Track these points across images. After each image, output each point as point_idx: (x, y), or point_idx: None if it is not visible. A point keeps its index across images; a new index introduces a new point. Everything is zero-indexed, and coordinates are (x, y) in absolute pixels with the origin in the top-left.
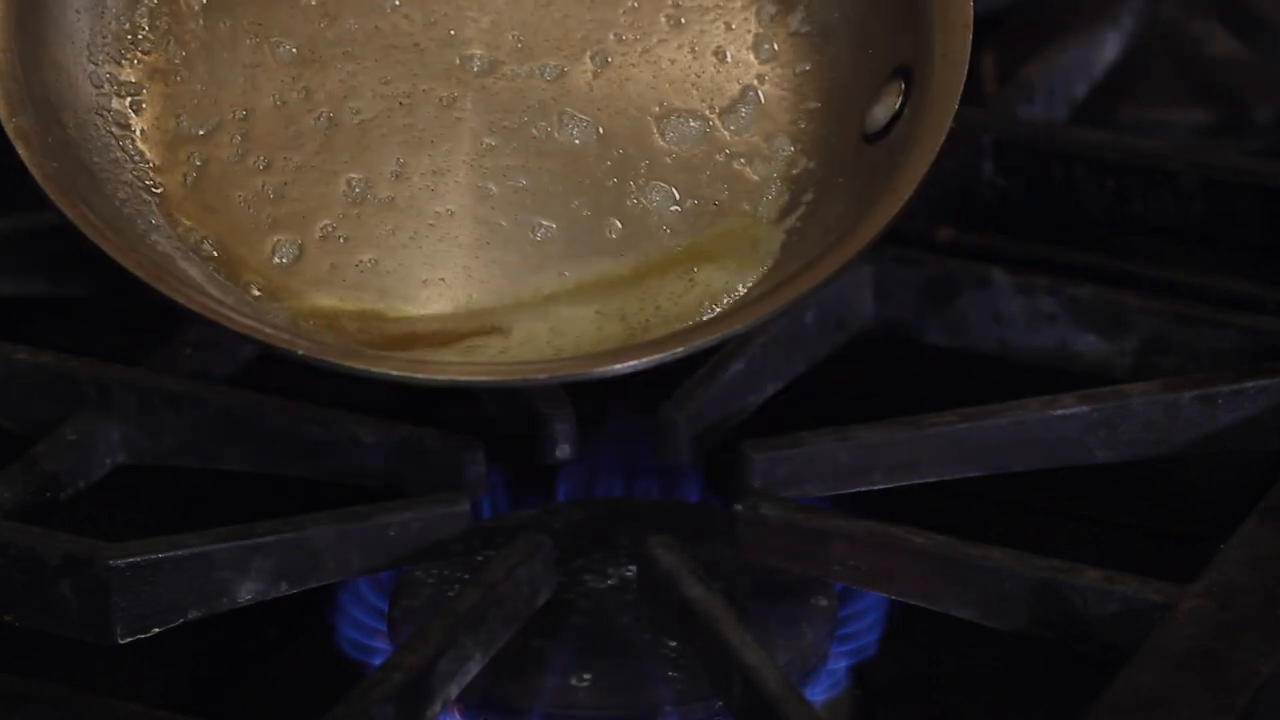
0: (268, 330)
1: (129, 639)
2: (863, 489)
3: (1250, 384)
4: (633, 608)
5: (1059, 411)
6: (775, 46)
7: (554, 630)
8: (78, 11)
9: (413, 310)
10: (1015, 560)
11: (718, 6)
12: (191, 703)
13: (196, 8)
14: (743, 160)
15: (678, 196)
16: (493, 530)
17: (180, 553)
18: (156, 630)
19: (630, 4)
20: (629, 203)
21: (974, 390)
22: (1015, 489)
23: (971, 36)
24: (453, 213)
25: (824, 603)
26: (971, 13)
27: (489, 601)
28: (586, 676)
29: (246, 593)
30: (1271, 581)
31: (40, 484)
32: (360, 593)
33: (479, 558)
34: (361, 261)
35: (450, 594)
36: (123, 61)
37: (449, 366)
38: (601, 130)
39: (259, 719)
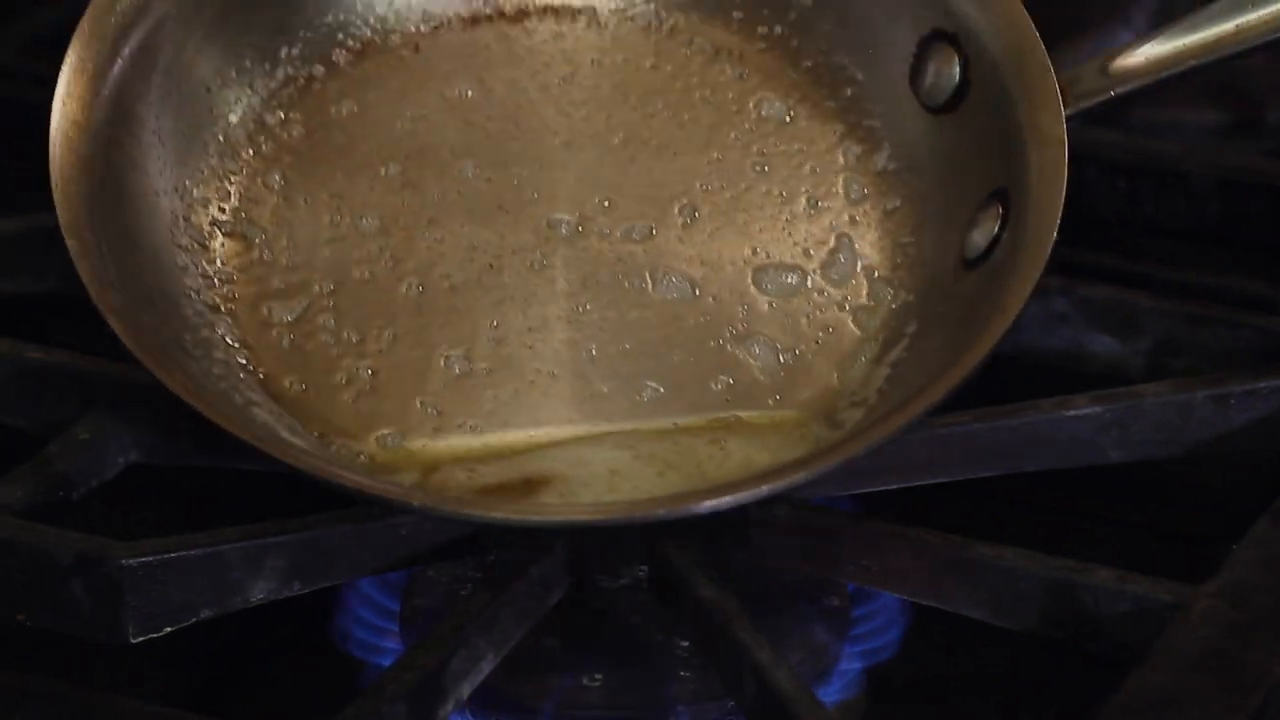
0: (382, 487)
1: (141, 638)
2: (876, 489)
3: (1263, 384)
4: (645, 608)
5: (1071, 412)
6: (865, 188)
7: (566, 630)
8: (158, 194)
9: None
10: (1028, 560)
11: (802, 151)
12: (201, 701)
13: (276, 186)
14: (841, 307)
15: (780, 349)
16: (505, 529)
17: (193, 552)
18: (169, 629)
19: (715, 155)
20: (730, 357)
21: (987, 391)
22: (1028, 489)
23: (1066, 151)
24: (554, 374)
25: (836, 603)
26: (1064, 128)
27: (501, 601)
28: (598, 676)
29: (259, 592)
30: None
31: (52, 483)
32: (370, 593)
33: (491, 557)
34: (464, 423)
35: (462, 593)
36: (207, 243)
37: (562, 508)
38: (697, 287)
39: (269, 718)
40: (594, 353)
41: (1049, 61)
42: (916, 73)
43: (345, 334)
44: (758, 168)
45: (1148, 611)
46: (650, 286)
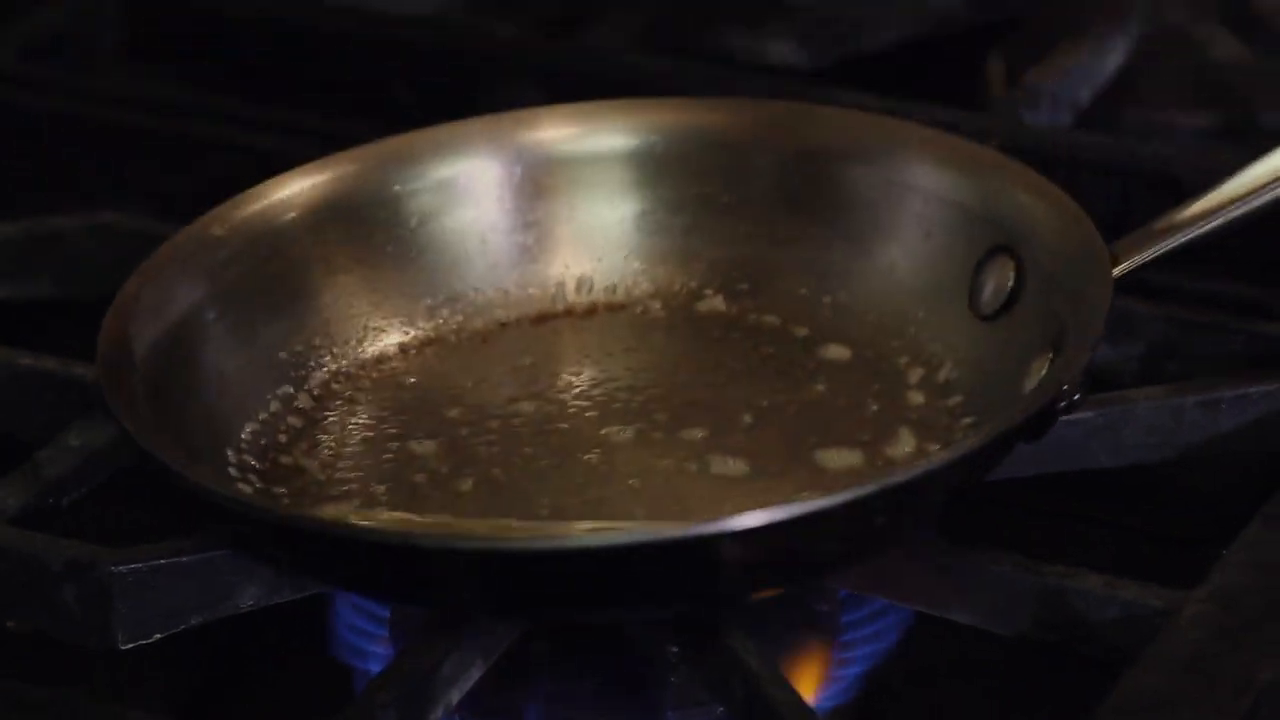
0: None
1: (131, 645)
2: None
3: (1254, 389)
4: None
5: (1064, 416)
6: (927, 397)
7: (555, 635)
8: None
9: None
10: (1019, 565)
11: (867, 381)
12: (192, 708)
13: (335, 429)
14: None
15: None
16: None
17: (183, 559)
18: (159, 636)
19: (779, 385)
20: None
21: None
22: (1019, 493)
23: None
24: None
25: (826, 608)
26: (1112, 291)
27: None
28: (588, 682)
29: (249, 598)
30: (1274, 586)
31: (43, 489)
32: (361, 599)
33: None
34: None
35: None
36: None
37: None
38: (752, 466)
39: None
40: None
41: (1099, 240)
42: (974, 292)
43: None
44: (822, 389)
45: (1138, 616)
46: (709, 466)
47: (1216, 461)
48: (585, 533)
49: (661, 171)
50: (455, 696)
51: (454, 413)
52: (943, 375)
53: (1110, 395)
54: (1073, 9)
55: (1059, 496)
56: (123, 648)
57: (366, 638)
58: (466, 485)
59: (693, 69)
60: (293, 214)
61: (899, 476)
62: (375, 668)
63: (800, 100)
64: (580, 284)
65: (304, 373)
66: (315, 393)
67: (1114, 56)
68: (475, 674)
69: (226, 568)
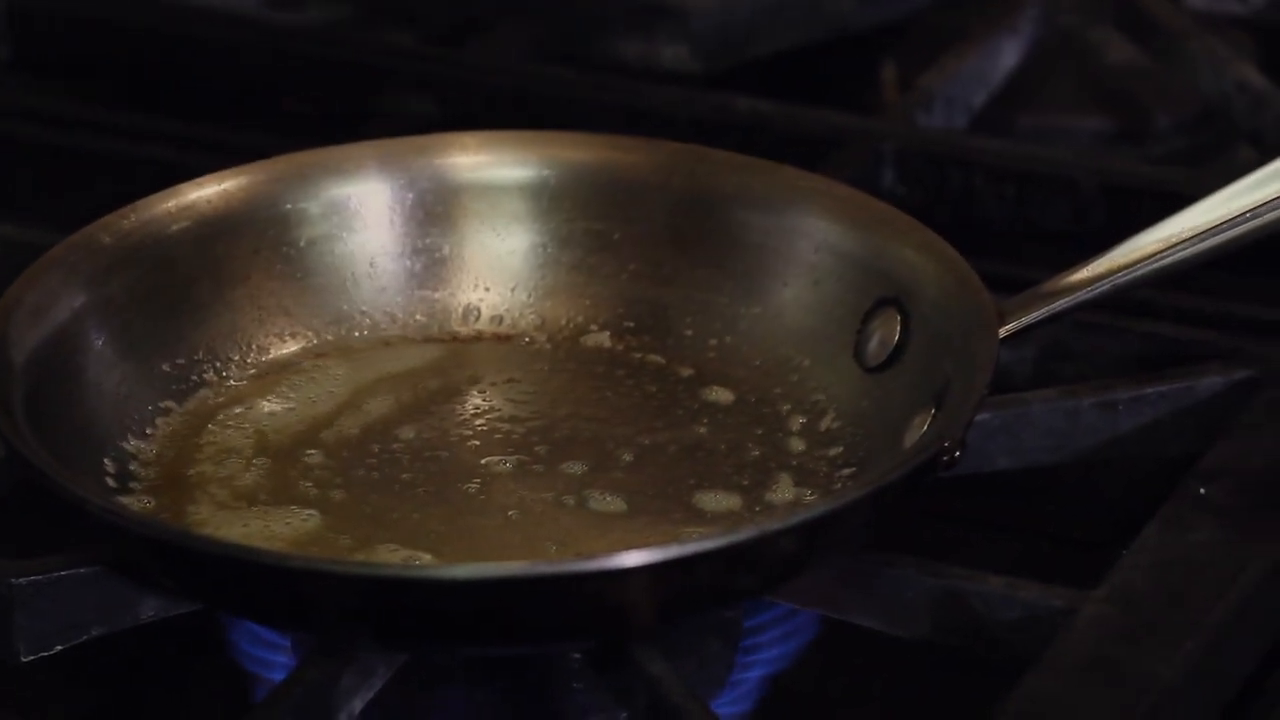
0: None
1: (32, 657)
2: None
3: (1150, 390)
4: None
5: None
6: (807, 444)
7: None
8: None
9: None
10: (918, 568)
11: (748, 424)
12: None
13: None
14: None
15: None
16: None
17: (83, 570)
18: (59, 648)
19: (658, 424)
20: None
21: None
22: (917, 498)
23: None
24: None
25: (729, 614)
26: (998, 346)
27: None
28: (491, 689)
29: (149, 609)
30: (1173, 586)
31: None
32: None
33: None
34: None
35: None
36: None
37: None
38: (630, 504)
39: None
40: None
41: (987, 298)
42: (860, 343)
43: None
44: (704, 430)
45: (1038, 618)
46: (586, 503)
47: (1114, 463)
48: (454, 565)
49: (554, 205)
50: (357, 706)
51: (334, 434)
52: (825, 424)
53: (1007, 398)
54: (965, 13)
55: (956, 500)
56: (23, 660)
57: (268, 647)
58: (342, 507)
59: (587, 78)
60: (181, 226)
61: (773, 525)
62: (277, 677)
63: (693, 108)
64: (467, 312)
65: (185, 386)
66: (196, 407)
67: (1007, 59)
68: (377, 683)
69: (127, 579)
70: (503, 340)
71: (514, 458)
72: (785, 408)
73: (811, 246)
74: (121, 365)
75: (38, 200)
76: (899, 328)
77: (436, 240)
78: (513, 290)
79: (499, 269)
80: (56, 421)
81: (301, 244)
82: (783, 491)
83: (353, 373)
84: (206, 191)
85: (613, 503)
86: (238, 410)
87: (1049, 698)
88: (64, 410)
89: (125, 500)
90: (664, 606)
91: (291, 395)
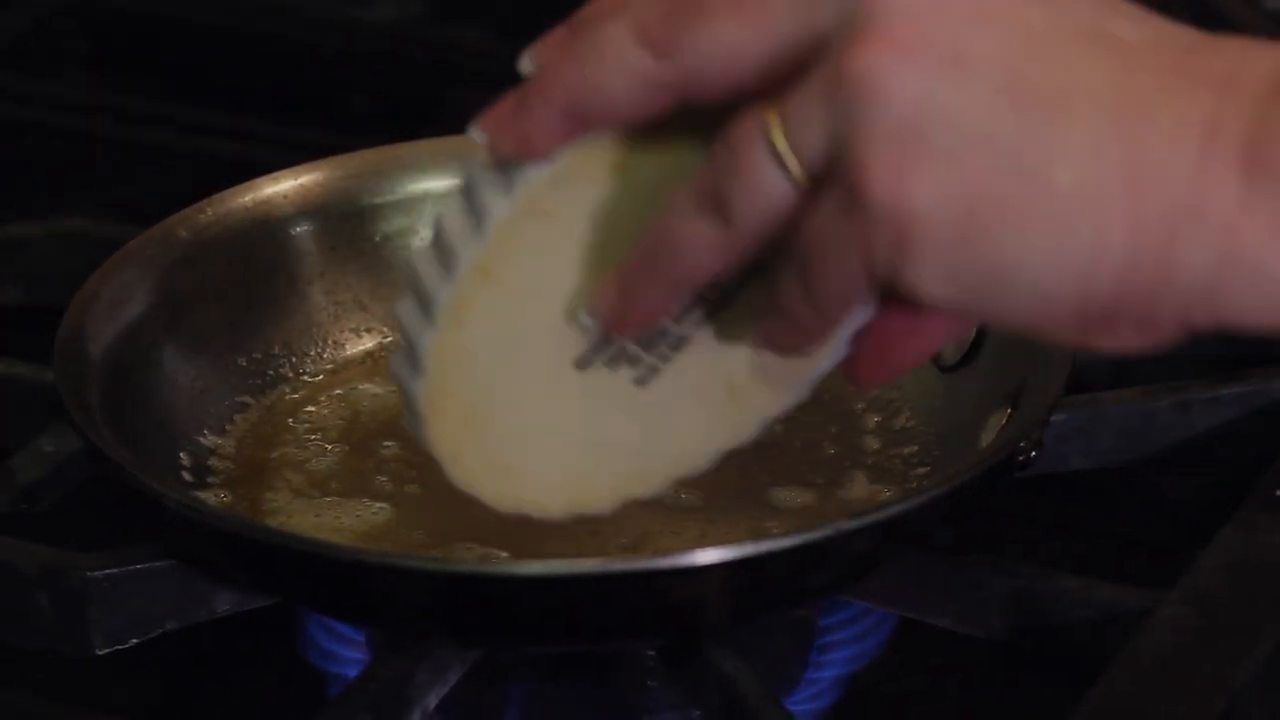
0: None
1: (107, 650)
2: None
3: (1225, 391)
4: None
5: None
6: (881, 442)
7: None
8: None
9: None
10: (992, 569)
11: (823, 421)
12: (165, 713)
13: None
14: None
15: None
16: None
17: (158, 563)
18: (134, 641)
19: None
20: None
21: None
22: (992, 497)
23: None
24: None
25: (803, 612)
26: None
27: None
28: (565, 686)
29: (225, 603)
30: (1247, 588)
31: (17, 495)
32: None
33: None
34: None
35: None
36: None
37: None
38: (706, 501)
39: None
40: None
41: None
42: None
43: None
44: (779, 428)
45: (1112, 619)
46: (662, 500)
47: (1189, 464)
48: (537, 562)
49: None
50: (432, 701)
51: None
52: (900, 423)
53: (1082, 398)
54: None
55: (1031, 501)
56: (98, 654)
57: (342, 642)
58: (417, 501)
59: None
60: (258, 221)
61: (849, 524)
62: (351, 672)
63: None
64: None
65: (262, 381)
66: (272, 402)
67: None
68: (452, 678)
69: (202, 573)
70: None
71: None
72: (860, 406)
73: None
74: (197, 360)
75: (114, 195)
76: (975, 327)
77: None
78: None
79: None
80: (133, 416)
81: (377, 239)
82: (857, 489)
83: None
84: (283, 187)
85: (687, 499)
86: (314, 404)
87: (1123, 699)
88: (140, 404)
89: (201, 495)
90: (738, 605)
91: (367, 389)
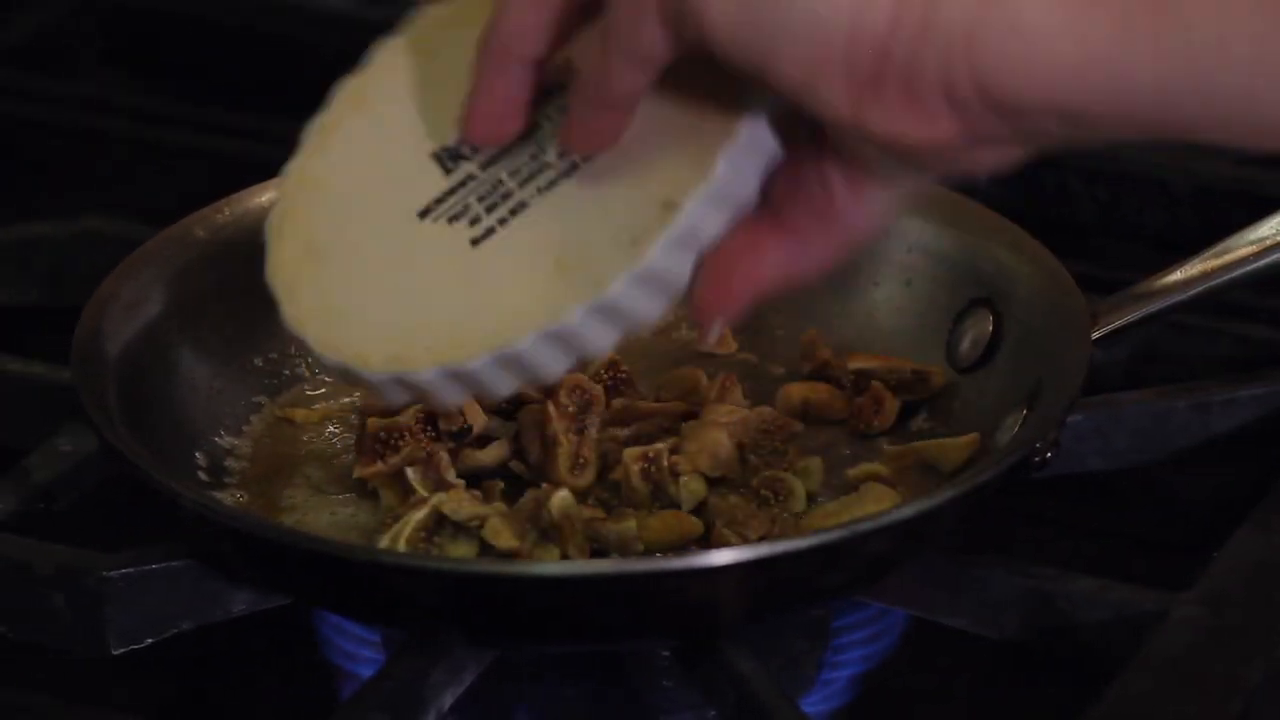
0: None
1: (122, 650)
2: None
3: (1243, 392)
4: None
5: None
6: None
7: None
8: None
9: None
10: (1007, 568)
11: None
12: (180, 712)
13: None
14: None
15: None
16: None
17: (174, 563)
18: (150, 641)
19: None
20: None
21: None
22: (1007, 497)
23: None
24: None
25: (817, 612)
26: (1091, 348)
27: None
28: (581, 686)
29: (240, 603)
30: (1264, 589)
31: (32, 495)
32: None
33: None
34: None
35: None
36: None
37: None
38: None
39: None
40: None
41: (1080, 300)
42: (952, 343)
43: None
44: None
45: (1128, 619)
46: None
47: (1205, 465)
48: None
49: None
50: (447, 701)
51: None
52: (916, 423)
53: (1098, 399)
54: None
55: (1046, 501)
56: (113, 653)
57: (357, 642)
58: None
59: None
60: None
61: (864, 525)
62: (365, 672)
63: None
64: None
65: (278, 381)
66: (289, 401)
67: None
68: (467, 678)
69: (217, 573)
70: None
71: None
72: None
73: (904, 246)
74: (214, 359)
75: (131, 194)
76: (991, 328)
77: None
78: None
79: None
80: (149, 416)
81: None
82: (873, 490)
83: None
84: None
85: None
86: (330, 403)
87: (1138, 700)
88: (157, 404)
89: (218, 495)
90: (753, 606)
91: None
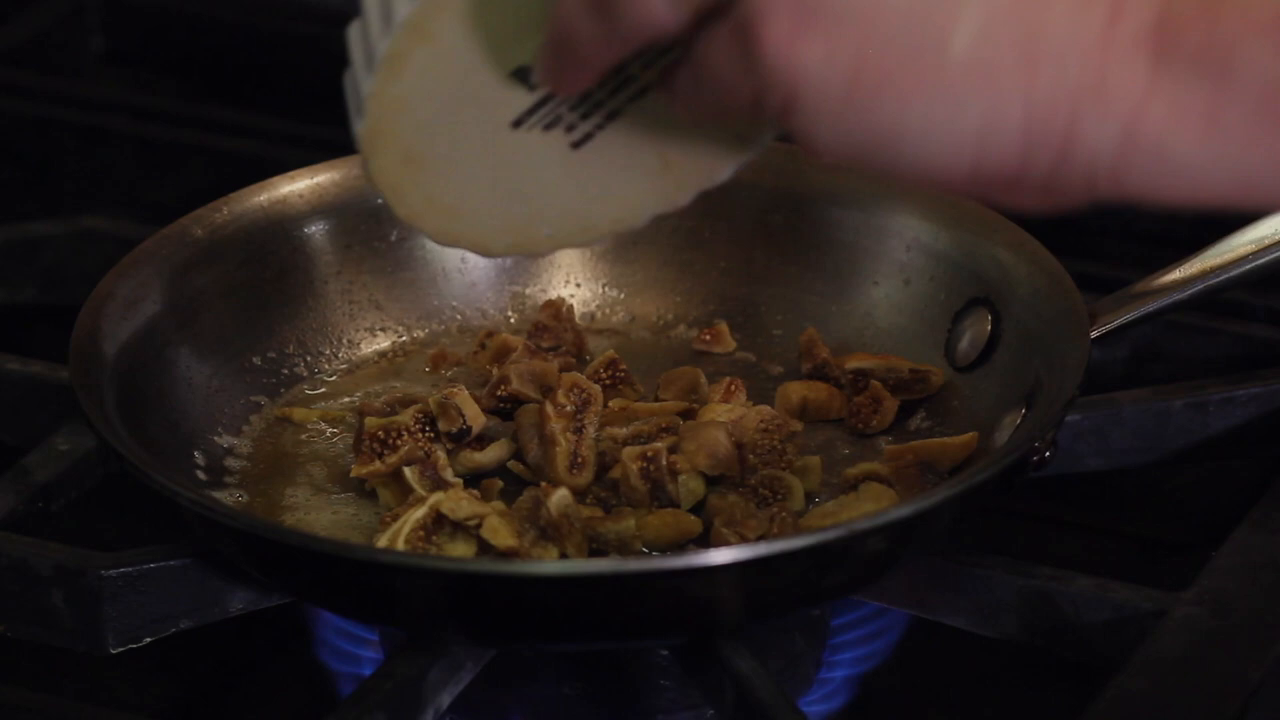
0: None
1: (120, 649)
2: None
3: (1241, 391)
4: None
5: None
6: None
7: None
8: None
9: None
10: (1006, 568)
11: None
12: (179, 711)
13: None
14: None
15: None
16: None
17: (172, 562)
18: (148, 640)
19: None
20: None
21: None
22: (1007, 497)
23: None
24: None
25: (816, 612)
26: (1089, 348)
27: None
28: (578, 685)
29: (238, 602)
30: (1263, 588)
31: (32, 494)
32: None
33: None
34: None
35: None
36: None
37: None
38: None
39: None
40: None
41: (1079, 299)
42: (951, 342)
43: None
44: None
45: (1127, 619)
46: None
47: (1204, 464)
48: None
49: None
50: (446, 700)
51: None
52: (914, 423)
53: (1097, 398)
54: None
55: (1045, 501)
56: (112, 652)
57: (355, 641)
58: None
59: None
60: (273, 220)
61: (863, 525)
62: (364, 671)
63: None
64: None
65: (276, 380)
66: (287, 400)
67: None
68: (466, 677)
69: (216, 572)
70: (593, 336)
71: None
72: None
73: (903, 245)
74: (213, 358)
75: (130, 193)
76: (990, 327)
77: None
78: (604, 286)
79: (590, 265)
80: (147, 415)
81: (393, 238)
82: (872, 489)
83: (445, 368)
84: (299, 186)
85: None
86: (329, 403)
87: (1137, 699)
88: (155, 404)
89: (217, 494)
90: (751, 605)
91: (380, 390)
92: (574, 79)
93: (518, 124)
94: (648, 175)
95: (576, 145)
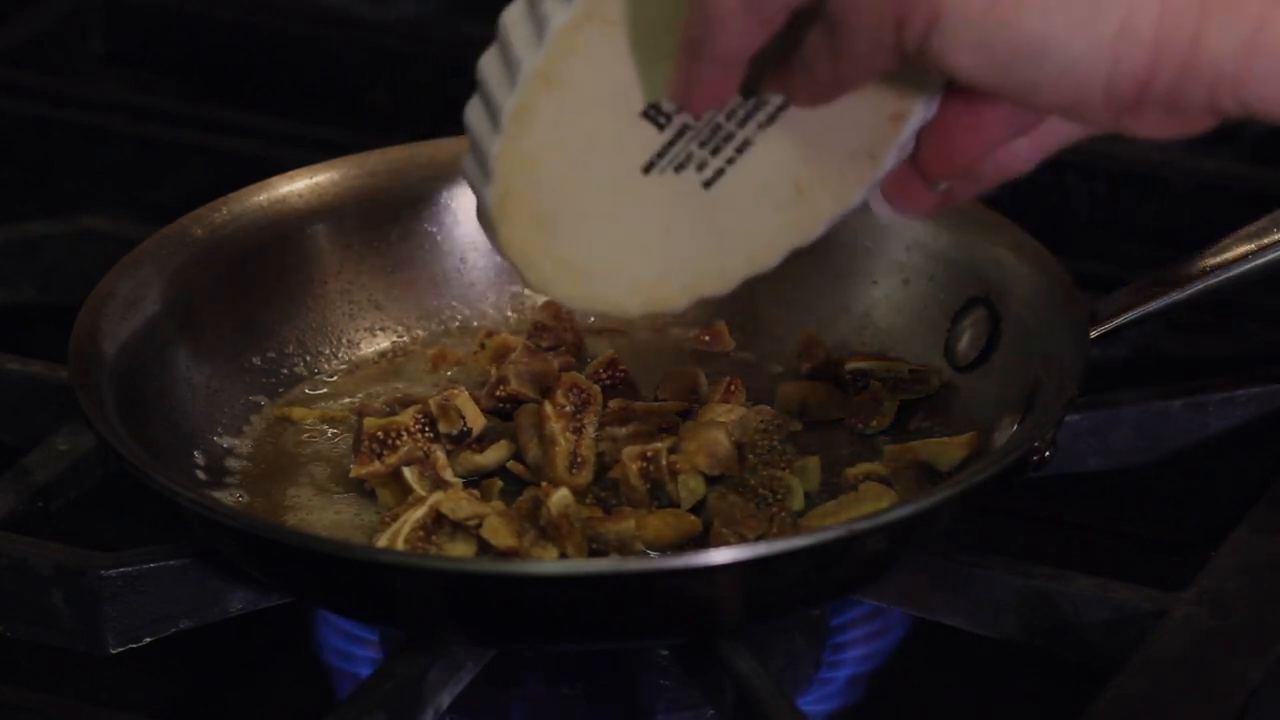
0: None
1: (120, 649)
2: None
3: (1241, 391)
4: None
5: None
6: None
7: None
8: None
9: None
10: (1006, 568)
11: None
12: (179, 711)
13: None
14: None
15: None
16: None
17: (172, 562)
18: (148, 640)
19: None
20: None
21: None
22: (1007, 497)
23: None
24: None
25: (815, 611)
26: (1090, 346)
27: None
28: (579, 685)
29: (238, 603)
30: (1263, 588)
31: (32, 494)
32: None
33: None
34: None
35: None
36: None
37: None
38: None
39: None
40: None
41: (1079, 298)
42: (950, 342)
43: None
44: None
45: (1127, 619)
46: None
47: (1204, 464)
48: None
49: None
50: (445, 699)
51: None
52: (914, 422)
53: (1097, 398)
54: None
55: (1046, 501)
56: (112, 652)
57: (355, 641)
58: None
59: None
60: (273, 219)
61: (863, 525)
62: (363, 671)
63: None
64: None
65: (276, 380)
66: (287, 400)
67: None
68: (465, 677)
69: (216, 572)
70: (593, 336)
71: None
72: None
73: (902, 245)
74: (213, 358)
75: (129, 193)
76: (989, 327)
77: None
78: None
79: None
80: (147, 415)
81: (392, 238)
82: (872, 489)
83: (444, 368)
84: (298, 185)
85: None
86: (329, 403)
87: (1137, 699)
88: (155, 404)
89: (217, 494)
90: (751, 605)
91: (380, 389)
92: (712, 87)
93: (648, 168)
94: (781, 208)
95: (708, 184)
